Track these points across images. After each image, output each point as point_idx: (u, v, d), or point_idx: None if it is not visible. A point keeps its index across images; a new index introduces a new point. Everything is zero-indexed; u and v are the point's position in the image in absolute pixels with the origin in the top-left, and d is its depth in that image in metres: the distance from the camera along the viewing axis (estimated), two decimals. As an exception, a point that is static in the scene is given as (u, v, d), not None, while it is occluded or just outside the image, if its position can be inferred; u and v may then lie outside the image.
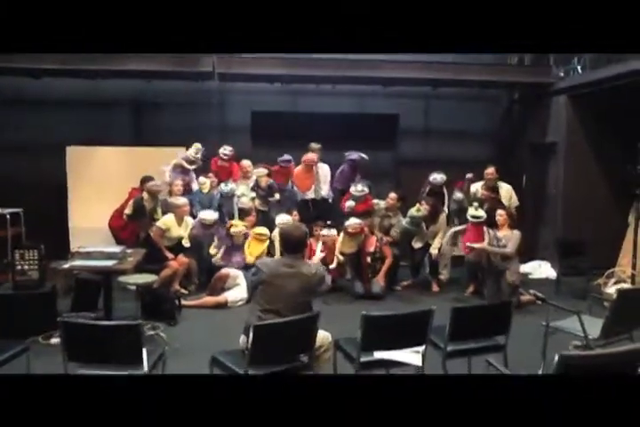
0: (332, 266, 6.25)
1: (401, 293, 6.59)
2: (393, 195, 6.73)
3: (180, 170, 6.84)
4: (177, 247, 6.17)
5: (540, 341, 3.93)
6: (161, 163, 6.83)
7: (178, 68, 7.08)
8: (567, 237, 7.19)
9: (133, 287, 5.15)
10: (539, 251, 8.07)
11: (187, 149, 6.98)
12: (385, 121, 8.58)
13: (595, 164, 7.58)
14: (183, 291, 6.13)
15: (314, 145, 7.23)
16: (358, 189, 6.76)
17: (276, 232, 6.26)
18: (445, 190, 7.00)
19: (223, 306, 5.77)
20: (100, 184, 7.26)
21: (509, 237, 5.74)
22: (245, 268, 6.16)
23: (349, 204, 6.71)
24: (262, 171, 6.89)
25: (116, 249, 5.03)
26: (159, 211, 6.43)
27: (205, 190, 6.90)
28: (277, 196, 6.92)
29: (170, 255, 6.01)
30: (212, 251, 6.46)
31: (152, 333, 4.73)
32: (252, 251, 6.40)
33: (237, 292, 5.91)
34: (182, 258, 6.14)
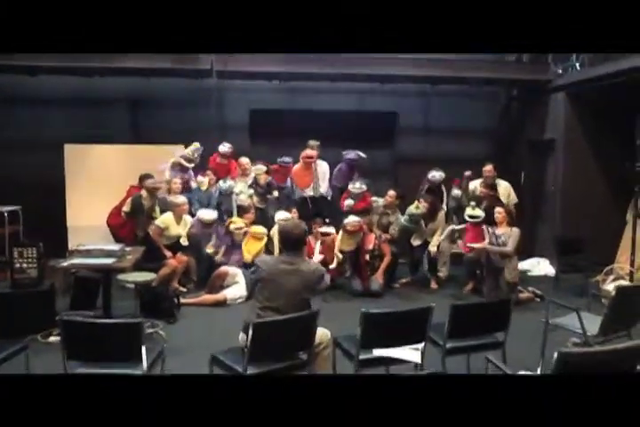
0: (333, 266, 6.23)
1: (400, 290, 6.59)
2: (391, 192, 6.73)
3: (178, 168, 6.83)
4: (175, 246, 6.16)
5: (538, 338, 3.94)
6: (159, 160, 6.81)
7: (176, 66, 7.05)
8: (566, 234, 7.21)
9: (132, 285, 5.13)
10: (537, 248, 8.08)
11: (185, 147, 6.98)
12: (383, 119, 8.59)
13: (593, 161, 7.59)
14: (182, 289, 6.13)
15: (312, 142, 7.21)
16: (356, 186, 6.78)
17: (274, 229, 6.26)
18: (444, 188, 7.02)
19: (222, 304, 5.76)
20: (98, 182, 7.24)
21: (508, 235, 5.74)
22: (244, 266, 6.17)
23: (348, 202, 6.72)
24: (261, 168, 6.90)
25: (115, 247, 5.04)
26: (157, 209, 6.42)
27: (204, 188, 6.90)
28: (276, 193, 6.93)
29: (168, 254, 6.00)
30: (209, 250, 6.46)
31: (151, 331, 4.72)
32: (250, 249, 6.40)
33: (236, 289, 5.91)
34: (181, 256, 6.14)
